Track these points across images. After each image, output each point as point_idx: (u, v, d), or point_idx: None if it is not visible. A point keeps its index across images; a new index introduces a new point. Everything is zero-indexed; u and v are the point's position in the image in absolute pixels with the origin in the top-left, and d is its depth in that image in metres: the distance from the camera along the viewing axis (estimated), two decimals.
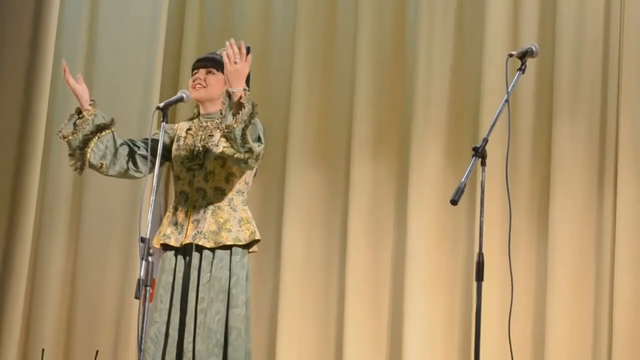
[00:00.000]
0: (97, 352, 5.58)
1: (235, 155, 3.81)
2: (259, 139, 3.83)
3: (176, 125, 4.16)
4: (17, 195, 5.66)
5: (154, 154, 3.86)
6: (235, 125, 3.72)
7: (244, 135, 3.74)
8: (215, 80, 4.02)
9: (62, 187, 5.91)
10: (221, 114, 3.77)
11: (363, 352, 5.81)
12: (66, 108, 5.92)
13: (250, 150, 3.78)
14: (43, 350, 5.61)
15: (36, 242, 5.85)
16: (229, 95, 3.75)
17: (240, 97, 3.72)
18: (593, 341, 5.66)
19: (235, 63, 3.73)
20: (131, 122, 5.94)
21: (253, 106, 3.75)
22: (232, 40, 3.79)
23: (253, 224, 4.00)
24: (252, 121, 3.75)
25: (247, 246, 3.97)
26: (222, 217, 3.93)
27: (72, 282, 5.93)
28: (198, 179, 3.98)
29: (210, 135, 4.00)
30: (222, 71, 3.96)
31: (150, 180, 4.06)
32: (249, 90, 3.78)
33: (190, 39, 6.19)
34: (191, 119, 4.14)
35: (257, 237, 3.99)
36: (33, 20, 5.76)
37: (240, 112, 3.72)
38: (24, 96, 5.71)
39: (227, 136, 3.77)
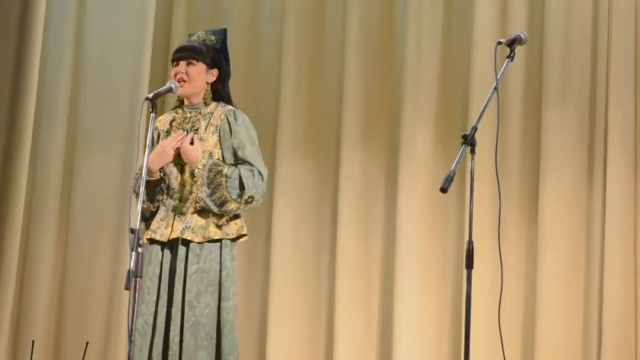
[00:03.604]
0: (87, 343, 5.57)
1: (240, 209, 3.93)
2: (259, 173, 3.94)
3: (157, 121, 4.12)
4: (6, 188, 5.64)
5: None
6: (201, 196, 3.87)
7: (221, 198, 3.87)
8: (196, 72, 4.00)
9: (51, 179, 5.90)
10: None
11: (354, 340, 5.82)
12: (54, 102, 5.92)
13: (250, 198, 3.91)
14: (33, 342, 5.59)
15: (26, 234, 5.83)
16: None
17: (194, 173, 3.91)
18: (583, 327, 5.68)
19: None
20: (120, 114, 5.93)
21: (210, 170, 3.88)
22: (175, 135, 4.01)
23: (241, 218, 4.00)
24: (221, 180, 3.87)
25: (234, 239, 3.97)
26: (210, 212, 3.92)
27: (62, 274, 5.91)
28: (185, 173, 3.97)
29: (195, 129, 3.99)
30: (202, 60, 3.99)
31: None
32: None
33: (179, 29, 6.17)
34: (174, 109, 4.13)
35: (244, 231, 3.99)
36: (20, 13, 5.73)
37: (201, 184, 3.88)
38: (12, 91, 5.68)
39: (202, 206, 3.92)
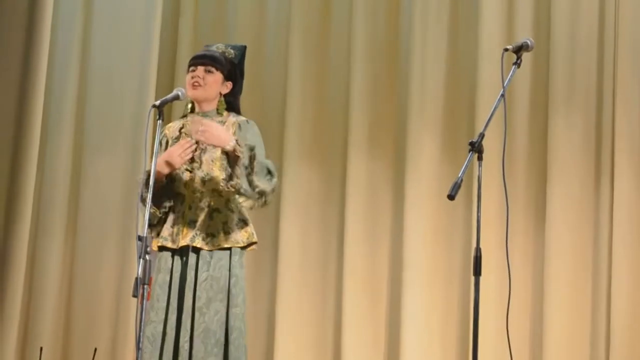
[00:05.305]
0: (95, 350, 5.58)
1: (248, 202, 3.91)
2: (269, 172, 3.90)
3: (165, 128, 4.13)
4: (14, 194, 5.65)
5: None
6: (239, 181, 3.81)
7: (250, 183, 3.82)
8: (213, 80, 4.01)
9: (58, 186, 5.91)
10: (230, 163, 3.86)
11: (361, 347, 5.82)
12: (61, 109, 5.93)
13: (262, 193, 3.86)
14: (41, 348, 5.60)
15: (33, 241, 5.84)
16: (227, 152, 3.84)
17: (235, 151, 3.81)
18: (591, 333, 5.67)
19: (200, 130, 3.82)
20: (127, 121, 5.95)
21: (251, 149, 3.83)
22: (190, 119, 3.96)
23: (251, 225, 4.00)
24: (254, 164, 3.83)
25: (244, 247, 3.97)
26: (220, 220, 3.92)
27: (69, 280, 5.92)
28: (195, 180, 3.98)
29: None
30: (221, 70, 4.00)
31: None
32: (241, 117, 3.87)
33: (185, 35, 6.18)
34: (183, 117, 4.13)
35: (255, 239, 3.99)
36: (27, 19, 5.74)
37: (237, 166, 3.81)
38: (19, 94, 5.70)
39: (238, 192, 3.86)
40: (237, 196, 3.90)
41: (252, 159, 3.83)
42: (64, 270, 5.90)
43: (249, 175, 3.81)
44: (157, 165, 3.83)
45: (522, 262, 5.73)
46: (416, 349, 5.71)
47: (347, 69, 6.03)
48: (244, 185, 3.82)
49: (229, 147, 3.81)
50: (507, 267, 3.73)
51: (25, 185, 5.67)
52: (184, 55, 5.97)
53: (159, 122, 3.76)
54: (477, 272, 3.52)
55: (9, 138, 5.70)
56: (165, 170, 3.91)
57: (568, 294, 5.64)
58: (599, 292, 5.68)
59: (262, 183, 3.85)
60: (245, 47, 4.19)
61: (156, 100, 3.96)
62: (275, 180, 3.92)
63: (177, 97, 3.90)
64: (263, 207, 3.97)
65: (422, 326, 5.73)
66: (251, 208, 3.96)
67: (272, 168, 3.92)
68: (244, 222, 3.97)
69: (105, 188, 5.91)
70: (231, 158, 3.83)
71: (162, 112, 3.77)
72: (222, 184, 3.89)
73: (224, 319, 3.87)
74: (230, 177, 3.84)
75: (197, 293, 3.86)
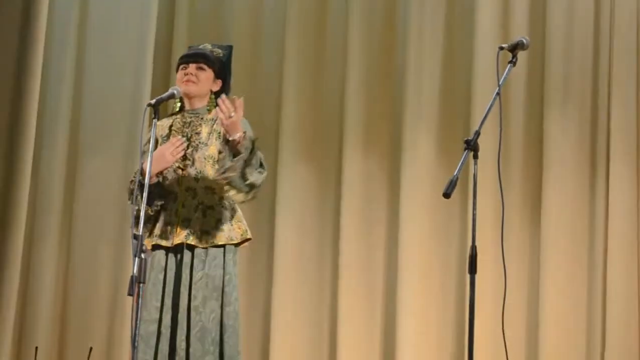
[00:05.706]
0: (90, 349, 5.57)
1: (238, 196, 3.88)
2: (260, 165, 3.88)
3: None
4: (9, 194, 5.63)
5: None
6: (233, 174, 3.78)
7: (243, 174, 3.79)
8: (205, 77, 4.03)
9: (54, 184, 5.90)
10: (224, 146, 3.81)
11: (357, 347, 5.82)
12: (56, 109, 5.92)
13: (251, 186, 3.84)
14: (37, 348, 5.59)
15: (29, 240, 5.83)
16: (227, 141, 3.79)
17: (239, 143, 3.77)
18: (587, 331, 5.68)
19: (230, 117, 3.76)
20: (122, 120, 5.94)
21: (253, 142, 3.81)
22: (224, 97, 3.84)
23: (244, 222, 4.00)
24: (252, 157, 3.81)
25: (238, 244, 3.97)
26: (213, 217, 3.92)
27: (65, 279, 5.91)
28: (187, 178, 3.97)
29: (197, 133, 3.99)
30: (212, 68, 4.00)
31: None
32: (246, 134, 3.82)
33: (181, 35, 6.17)
34: (172, 115, 4.12)
35: (249, 236, 3.99)
36: (22, 17, 5.73)
37: (237, 159, 3.77)
38: (14, 95, 5.68)
39: (228, 184, 3.83)
40: (227, 189, 3.88)
41: (252, 151, 3.82)
42: (59, 269, 5.90)
43: (244, 167, 3.80)
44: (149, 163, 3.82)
45: (517, 260, 5.74)
46: (412, 346, 5.71)
47: (343, 67, 6.03)
48: (236, 178, 3.79)
49: (237, 136, 3.77)
50: (502, 265, 3.74)
51: (20, 186, 5.65)
52: (180, 54, 5.93)
53: (155, 120, 3.76)
54: (473, 270, 3.52)
55: (4, 139, 5.68)
56: (157, 169, 3.89)
57: (563, 292, 5.65)
58: (594, 290, 5.69)
59: (253, 176, 3.83)
60: (231, 46, 4.20)
61: (151, 99, 3.94)
62: (265, 174, 3.90)
63: (172, 96, 3.91)
64: (251, 201, 3.94)
65: (418, 324, 5.73)
66: (242, 202, 3.94)
67: (264, 162, 3.92)
68: (237, 219, 3.97)
69: (101, 188, 5.90)
70: (231, 148, 3.80)
71: (158, 111, 3.76)
72: (214, 174, 3.88)
73: (218, 317, 3.87)
74: (226, 169, 3.81)
75: (193, 292, 3.86)
